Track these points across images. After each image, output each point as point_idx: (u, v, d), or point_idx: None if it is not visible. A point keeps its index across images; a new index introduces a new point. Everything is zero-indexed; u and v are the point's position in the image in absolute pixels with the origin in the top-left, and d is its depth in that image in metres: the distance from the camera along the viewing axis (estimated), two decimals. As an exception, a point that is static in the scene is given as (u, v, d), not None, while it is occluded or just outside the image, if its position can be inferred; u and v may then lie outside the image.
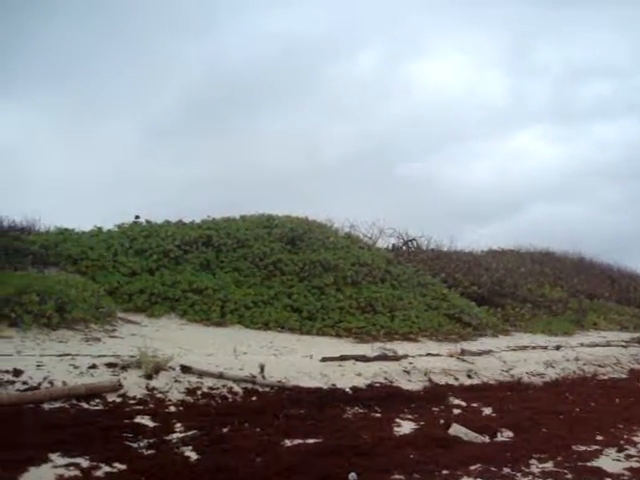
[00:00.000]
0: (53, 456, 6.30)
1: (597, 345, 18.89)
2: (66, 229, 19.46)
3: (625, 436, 8.98)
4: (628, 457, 7.93)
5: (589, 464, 7.45)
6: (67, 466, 6.13)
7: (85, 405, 8.01)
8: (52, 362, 9.26)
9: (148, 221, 20.88)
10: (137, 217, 20.94)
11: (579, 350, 17.10)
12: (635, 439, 8.85)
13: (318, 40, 61.29)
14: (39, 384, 8.30)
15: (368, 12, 65.56)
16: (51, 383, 8.40)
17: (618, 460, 7.77)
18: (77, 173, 44.56)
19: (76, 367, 9.14)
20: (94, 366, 9.25)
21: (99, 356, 10.06)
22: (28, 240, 17.52)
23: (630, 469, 7.35)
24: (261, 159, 51.61)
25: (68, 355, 9.93)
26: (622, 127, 68.91)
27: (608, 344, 19.33)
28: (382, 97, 65.45)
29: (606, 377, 14.85)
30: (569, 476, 6.94)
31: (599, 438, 8.78)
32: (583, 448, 8.19)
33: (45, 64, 51.89)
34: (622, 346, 18.93)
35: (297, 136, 55.36)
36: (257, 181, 45.98)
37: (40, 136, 47.39)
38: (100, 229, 19.94)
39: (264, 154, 51.99)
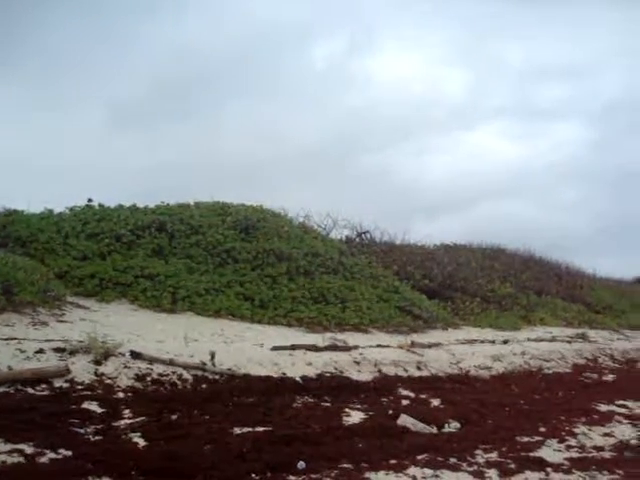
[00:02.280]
0: (-4, 442, 6.18)
1: (543, 340, 19.35)
2: (15, 210, 18.95)
3: (566, 428, 9.24)
4: (568, 448, 8.17)
5: (532, 454, 7.65)
6: (10, 452, 6.01)
7: (31, 390, 7.87)
8: (-3, 346, 9.07)
9: (101, 205, 20.46)
10: (90, 200, 20.49)
11: (526, 345, 17.50)
12: (575, 431, 9.11)
13: (283, 27, 61.17)
14: (-17, 368, 8.14)
15: (331, 3, 65.53)
16: (-4, 367, 8.24)
17: (559, 451, 8.00)
18: (35, 157, 43.52)
19: (22, 351, 8.97)
20: (41, 351, 9.10)
21: (47, 340, 9.88)
22: (-26, 220, 17.08)
23: (570, 459, 7.59)
24: (222, 146, 51.26)
25: (14, 339, 9.72)
26: (580, 127, 70.63)
27: (554, 339, 19.81)
28: (342, 89, 65.70)
29: (551, 371, 15.23)
30: (512, 466, 7.11)
31: (542, 430, 9.00)
32: (526, 439, 8.40)
33: (8, 44, 50.45)
34: (567, 341, 19.41)
35: (260, 124, 55.14)
36: (217, 168, 45.68)
37: (1, 118, 46.13)
38: (51, 211, 19.47)
39: (226, 141, 51.74)
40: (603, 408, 11.02)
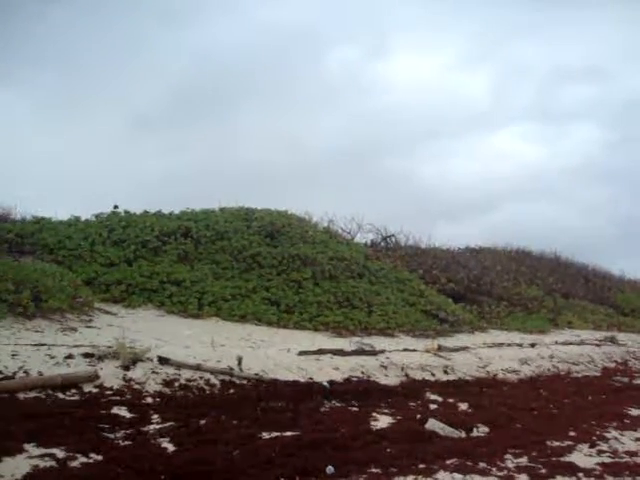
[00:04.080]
0: (28, 446, 6.25)
1: (571, 343, 19.12)
2: (43, 218, 19.25)
3: (597, 432, 9.09)
4: (600, 452, 8.04)
5: (562, 459, 7.54)
6: (42, 456, 6.09)
7: (61, 395, 7.96)
8: (28, 352, 9.19)
9: (127, 211, 20.70)
10: (116, 207, 20.75)
11: (554, 348, 17.33)
12: (606, 435, 8.96)
13: (303, 33, 61.43)
14: (14, 374, 8.25)
15: (353, 6, 65.59)
16: (26, 373, 8.35)
17: (590, 455, 7.87)
18: (59, 162, 44.12)
19: (52, 357, 9.08)
20: (70, 356, 9.20)
21: (75, 346, 10.00)
22: (4, 228, 17.33)
23: (601, 464, 7.45)
24: (244, 152, 51.54)
25: (44, 345, 9.84)
26: (603, 129, 69.58)
27: (582, 342, 19.58)
28: (361, 94, 65.59)
29: (579, 375, 15.05)
30: (543, 471, 7.02)
31: (572, 434, 8.88)
32: (556, 444, 8.29)
33: (32, 52, 51.26)
34: (595, 345, 19.19)
35: (280, 129, 55.32)
36: (239, 174, 45.87)
37: (24, 124, 46.81)
38: (78, 218, 19.75)
39: (246, 147, 52.02)
40: (635, 412, 10.85)
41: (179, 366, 9.59)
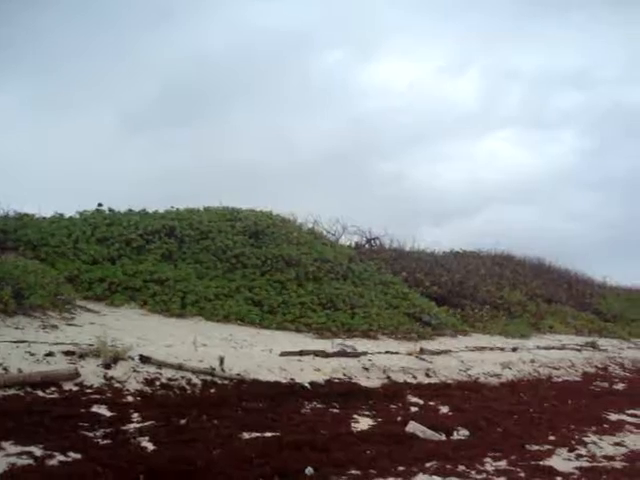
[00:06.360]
0: (5, 444, 6.21)
1: (553, 348, 19.25)
2: (26, 214, 19.08)
3: (576, 436, 9.18)
4: (578, 457, 8.11)
5: (541, 463, 7.60)
6: (20, 454, 6.05)
7: (40, 393, 7.90)
8: (7, 349, 9.10)
9: (111, 209, 20.57)
10: (100, 205, 20.61)
11: (535, 352, 17.43)
12: (585, 439, 9.05)
13: (294, 36, 61.23)
14: (-7, 370, 8.17)
15: (343, 11, 65.67)
16: (6, 370, 8.27)
17: (569, 460, 7.95)
18: (46, 161, 43.74)
19: (32, 354, 9.01)
20: (51, 354, 9.13)
21: (56, 344, 9.91)
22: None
23: (580, 468, 7.53)
24: (231, 152, 51.43)
25: (24, 342, 9.75)
26: (589, 134, 70.00)
27: (563, 347, 19.72)
28: (351, 96, 65.49)
29: (560, 379, 15.15)
30: (522, 474, 7.07)
31: (552, 438, 8.95)
32: (536, 447, 8.35)
33: (21, 51, 50.83)
34: (577, 350, 19.32)
35: (269, 130, 55.27)
36: (226, 173, 45.77)
37: (10, 122, 46.38)
38: (61, 215, 19.59)
39: (234, 147, 51.89)
40: (613, 417, 10.96)
41: (160, 365, 9.56)
